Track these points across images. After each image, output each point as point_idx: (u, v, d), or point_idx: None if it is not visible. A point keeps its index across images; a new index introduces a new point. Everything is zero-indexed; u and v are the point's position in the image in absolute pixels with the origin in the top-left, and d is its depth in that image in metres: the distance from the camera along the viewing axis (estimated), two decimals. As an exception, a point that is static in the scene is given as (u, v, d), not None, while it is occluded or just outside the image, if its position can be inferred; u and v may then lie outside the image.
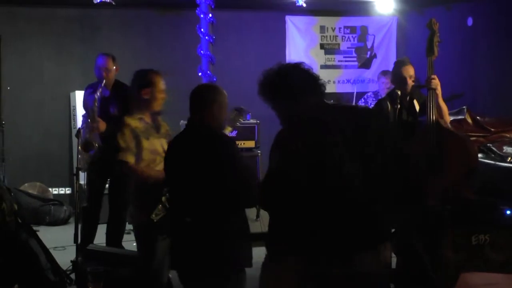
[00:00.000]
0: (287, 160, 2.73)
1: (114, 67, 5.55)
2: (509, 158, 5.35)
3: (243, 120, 4.74)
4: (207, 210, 3.20)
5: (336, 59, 9.05)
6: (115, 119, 4.96)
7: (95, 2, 7.40)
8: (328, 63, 9.01)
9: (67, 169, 8.19)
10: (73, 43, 8.22)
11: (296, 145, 2.71)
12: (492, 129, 5.91)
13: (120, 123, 3.92)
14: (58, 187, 8.19)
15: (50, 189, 8.03)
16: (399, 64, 4.82)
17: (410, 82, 4.69)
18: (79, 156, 5.45)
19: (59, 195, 8.12)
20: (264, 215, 5.36)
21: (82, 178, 5.93)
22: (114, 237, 5.36)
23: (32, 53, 8.15)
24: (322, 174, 2.67)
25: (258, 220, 5.85)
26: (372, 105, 6.35)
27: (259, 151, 7.07)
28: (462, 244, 4.07)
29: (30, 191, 7.68)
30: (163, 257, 3.71)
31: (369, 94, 7.74)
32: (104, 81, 5.44)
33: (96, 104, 5.35)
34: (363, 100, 7.64)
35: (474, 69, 8.12)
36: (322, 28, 8.98)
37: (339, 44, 9.05)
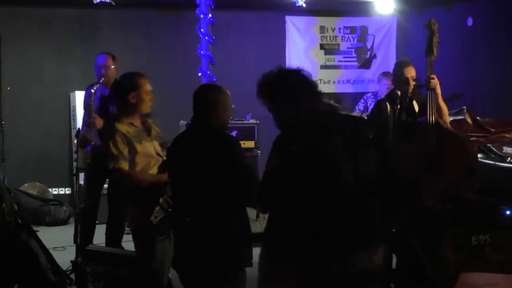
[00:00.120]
0: (284, 162, 2.80)
1: (114, 66, 5.54)
2: (509, 158, 5.35)
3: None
4: (210, 209, 3.22)
5: (336, 59, 9.04)
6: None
7: (95, 2, 7.40)
8: (328, 63, 9.00)
9: (67, 169, 8.18)
10: (73, 43, 8.22)
11: (292, 147, 2.77)
12: (492, 129, 5.90)
13: (110, 130, 3.83)
14: (58, 187, 8.19)
15: (50, 189, 8.02)
16: (400, 65, 4.76)
17: (412, 83, 4.66)
18: (76, 154, 5.43)
19: (59, 195, 8.13)
20: (264, 215, 5.36)
21: (82, 179, 5.92)
22: (114, 237, 5.35)
23: (32, 53, 8.15)
24: (317, 176, 2.73)
25: (258, 220, 5.85)
26: (372, 106, 6.34)
27: (259, 151, 7.06)
28: (462, 244, 4.07)
29: (30, 191, 7.67)
30: (163, 257, 3.71)
31: (368, 94, 7.74)
32: (103, 78, 5.43)
33: (93, 98, 5.33)
34: (362, 101, 7.64)
35: (474, 69, 8.11)
36: (322, 28, 8.97)
37: (339, 44, 9.04)
